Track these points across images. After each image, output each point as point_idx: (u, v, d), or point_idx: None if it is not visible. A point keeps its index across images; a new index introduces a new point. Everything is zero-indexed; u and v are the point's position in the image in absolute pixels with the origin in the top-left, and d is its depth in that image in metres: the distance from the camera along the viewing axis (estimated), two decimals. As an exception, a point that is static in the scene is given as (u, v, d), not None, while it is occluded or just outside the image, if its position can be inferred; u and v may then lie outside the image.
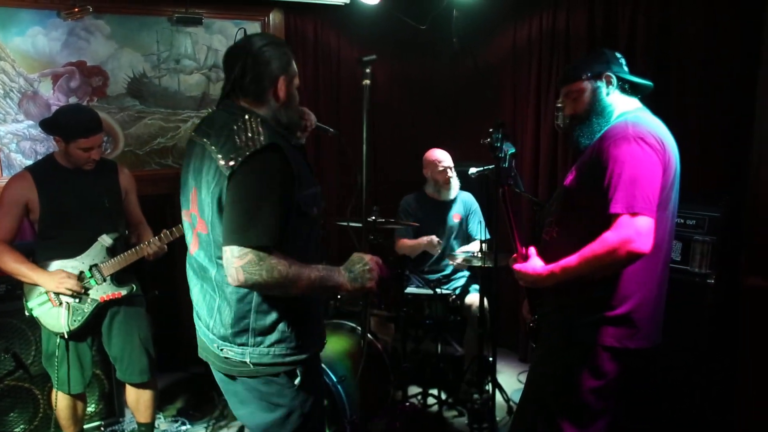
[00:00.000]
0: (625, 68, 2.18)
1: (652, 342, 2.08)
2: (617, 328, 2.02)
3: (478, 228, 4.01)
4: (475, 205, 4.12)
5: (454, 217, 4.06)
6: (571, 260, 1.94)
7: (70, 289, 2.80)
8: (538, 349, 2.31)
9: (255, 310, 1.83)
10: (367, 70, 1.91)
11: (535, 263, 2.09)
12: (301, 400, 1.91)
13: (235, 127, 1.75)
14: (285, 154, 1.74)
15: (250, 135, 1.72)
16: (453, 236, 4.08)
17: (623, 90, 2.14)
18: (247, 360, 1.85)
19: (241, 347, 1.85)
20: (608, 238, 1.87)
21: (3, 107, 3.76)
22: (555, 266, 2.00)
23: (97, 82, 4.02)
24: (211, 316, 1.90)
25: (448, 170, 4.01)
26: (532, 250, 2.11)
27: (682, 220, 2.85)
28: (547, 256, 2.10)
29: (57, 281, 2.79)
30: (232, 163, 1.70)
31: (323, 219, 1.98)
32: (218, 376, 2.02)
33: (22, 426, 3.26)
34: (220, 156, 1.74)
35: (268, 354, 1.85)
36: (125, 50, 4.08)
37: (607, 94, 2.12)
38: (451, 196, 4.04)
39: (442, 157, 4.05)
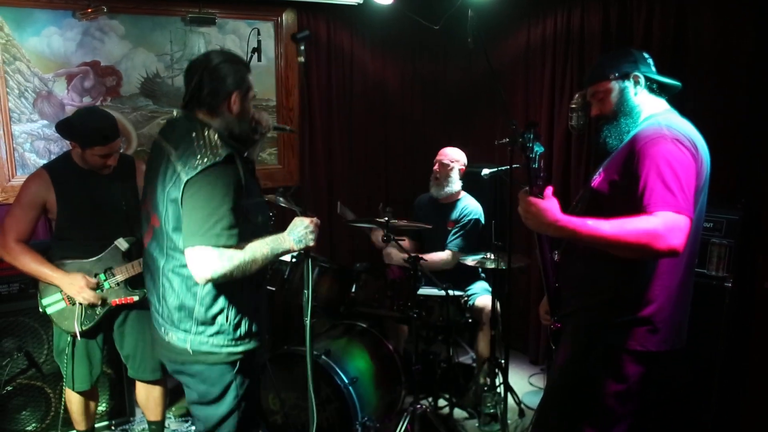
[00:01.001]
0: (653, 68, 2.13)
1: (674, 345, 2.04)
2: (640, 331, 1.99)
3: (451, 237, 3.90)
4: (471, 215, 3.95)
5: (449, 225, 3.97)
6: (604, 226, 1.78)
7: (88, 300, 2.80)
8: (558, 352, 2.27)
9: (199, 301, 2.04)
10: (302, 47, 2.02)
11: (553, 205, 1.84)
12: (237, 390, 2.13)
13: (195, 137, 1.96)
14: (237, 165, 1.97)
15: (209, 147, 1.94)
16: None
17: (651, 90, 2.09)
18: (188, 347, 2.06)
19: (184, 333, 2.07)
20: (655, 222, 1.76)
21: (18, 107, 3.78)
22: (580, 223, 1.80)
23: (110, 82, 4.04)
24: (159, 303, 2.12)
25: (442, 166, 3.94)
26: (549, 190, 1.91)
27: (700, 223, 2.81)
28: (570, 258, 2.07)
29: (77, 288, 2.78)
30: (191, 171, 1.91)
31: (271, 228, 2.24)
32: (170, 368, 2.23)
33: (34, 424, 3.28)
34: (179, 162, 1.95)
35: (207, 343, 2.06)
36: (139, 50, 4.09)
37: (635, 94, 2.07)
38: (437, 194, 3.97)
39: (446, 152, 4.00)
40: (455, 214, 3.99)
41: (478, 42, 2.85)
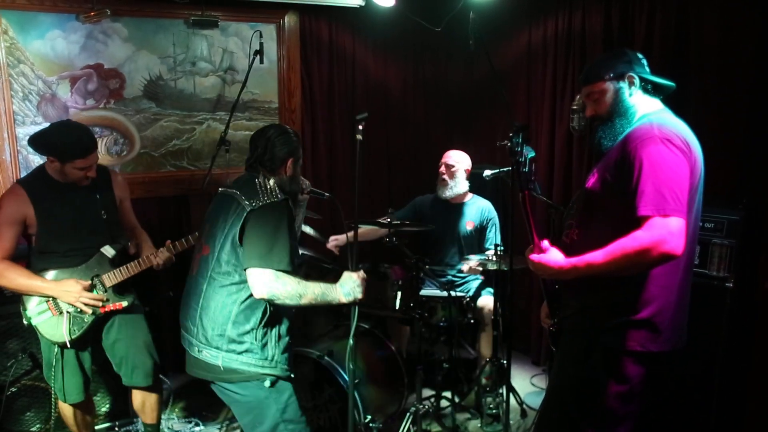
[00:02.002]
0: (647, 68, 2.15)
1: (674, 345, 2.05)
2: (640, 331, 2.00)
3: (493, 239, 3.97)
4: (493, 215, 4.04)
5: (467, 224, 4.01)
6: (597, 256, 1.88)
7: (89, 302, 2.77)
8: (559, 354, 2.28)
9: (232, 321, 2.30)
10: (360, 127, 2.42)
11: (555, 255, 2.00)
12: (277, 405, 2.36)
13: (258, 183, 2.37)
14: (291, 208, 2.37)
15: (269, 191, 2.34)
16: (464, 243, 4.03)
17: (645, 91, 2.11)
18: (219, 363, 2.31)
19: (216, 350, 2.32)
20: (641, 237, 1.82)
21: (22, 109, 3.80)
22: (579, 260, 1.93)
23: (114, 84, 4.05)
24: (194, 325, 2.38)
25: (447, 167, 3.97)
26: (546, 242, 2.04)
27: (701, 223, 2.80)
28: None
29: (74, 295, 2.75)
30: (255, 204, 2.28)
31: (300, 272, 2.52)
32: (215, 388, 2.46)
33: (38, 425, 3.28)
34: (244, 198, 2.32)
35: (236, 360, 2.30)
36: (142, 53, 4.10)
37: (630, 95, 2.09)
38: (444, 195, 3.99)
39: (450, 154, 4.03)
40: (474, 215, 4.03)
41: (480, 44, 2.85)
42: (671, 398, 2.90)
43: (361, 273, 2.42)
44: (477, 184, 4.08)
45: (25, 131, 3.80)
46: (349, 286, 2.38)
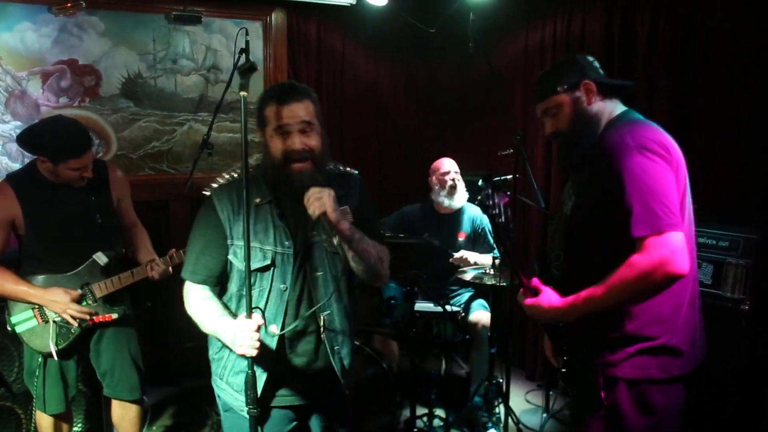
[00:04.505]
0: (601, 71, 2.00)
1: (697, 361, 1.91)
2: (660, 357, 1.85)
3: (488, 247, 3.85)
4: (486, 222, 3.91)
5: (459, 235, 3.88)
6: (596, 290, 1.76)
7: (76, 315, 2.62)
8: (576, 396, 2.11)
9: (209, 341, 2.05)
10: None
11: (549, 297, 1.88)
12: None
13: None
14: (213, 204, 1.98)
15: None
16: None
17: (604, 96, 1.95)
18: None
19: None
20: (639, 262, 1.69)
21: (-12, 107, 3.59)
22: (576, 298, 1.81)
23: (89, 81, 3.86)
24: None
25: (452, 175, 3.86)
26: (536, 280, 1.92)
27: (714, 241, 2.69)
28: (562, 292, 1.92)
29: (61, 306, 2.60)
30: None
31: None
32: None
33: (3, 446, 3.08)
34: None
35: (213, 382, 2.05)
36: (120, 49, 3.93)
37: (589, 103, 1.93)
38: (456, 205, 3.87)
39: (447, 162, 3.93)
40: (466, 225, 3.91)
41: (479, 45, 2.70)
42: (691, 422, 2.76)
43: (254, 322, 1.76)
44: (472, 191, 3.94)
45: (-9, 130, 3.59)
46: (232, 341, 1.79)
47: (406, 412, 3.38)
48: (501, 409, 3.52)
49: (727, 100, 3.06)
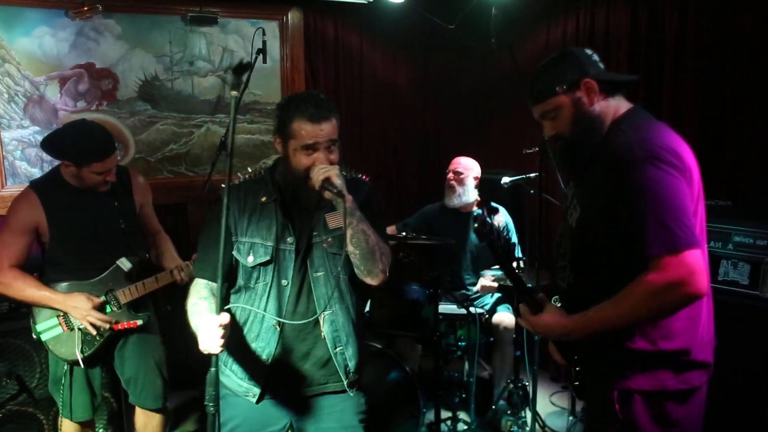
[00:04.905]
0: (601, 65, 1.84)
1: (711, 364, 1.82)
2: (677, 369, 1.75)
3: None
4: (508, 221, 3.81)
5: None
6: (607, 308, 1.66)
7: (96, 323, 2.59)
8: (588, 409, 2.02)
9: None
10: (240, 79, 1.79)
11: (554, 313, 1.79)
12: None
13: None
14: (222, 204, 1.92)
15: None
16: (478, 254, 3.80)
17: (607, 93, 1.80)
18: None
19: None
20: (655, 282, 1.56)
21: (8, 112, 3.58)
22: (584, 315, 1.71)
23: (106, 85, 3.84)
24: None
25: (455, 174, 3.78)
26: (541, 295, 1.82)
27: (752, 240, 2.59)
28: (568, 306, 1.83)
29: (83, 312, 2.57)
30: None
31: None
32: None
33: (25, 453, 3.08)
34: None
35: (221, 371, 1.98)
36: (136, 51, 3.90)
37: (591, 103, 1.78)
38: (453, 204, 3.79)
39: (459, 160, 3.84)
40: None
41: (502, 41, 2.60)
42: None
43: (218, 319, 1.73)
44: (493, 192, 3.85)
45: (11, 135, 3.61)
46: (200, 334, 1.76)
47: (430, 416, 3.33)
48: (526, 413, 3.46)
49: (760, 96, 2.96)
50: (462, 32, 4.45)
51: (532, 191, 3.51)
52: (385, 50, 4.77)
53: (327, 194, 1.79)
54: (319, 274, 1.96)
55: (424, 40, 4.85)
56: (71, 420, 2.79)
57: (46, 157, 3.63)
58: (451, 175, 3.81)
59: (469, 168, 3.80)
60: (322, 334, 1.98)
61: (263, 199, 1.96)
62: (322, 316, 1.96)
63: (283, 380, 2.01)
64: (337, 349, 1.99)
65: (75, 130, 2.59)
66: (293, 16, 4.32)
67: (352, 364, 2.03)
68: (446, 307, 3.50)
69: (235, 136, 4.10)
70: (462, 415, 3.52)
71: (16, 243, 2.58)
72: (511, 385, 3.50)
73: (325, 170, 1.80)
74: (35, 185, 2.66)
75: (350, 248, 1.87)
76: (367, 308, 3.28)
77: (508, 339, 3.55)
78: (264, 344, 1.97)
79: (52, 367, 2.77)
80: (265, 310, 1.95)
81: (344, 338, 2.01)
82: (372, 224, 1.92)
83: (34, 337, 2.68)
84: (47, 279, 2.65)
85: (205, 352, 1.74)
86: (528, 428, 3.36)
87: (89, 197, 2.64)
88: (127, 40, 3.87)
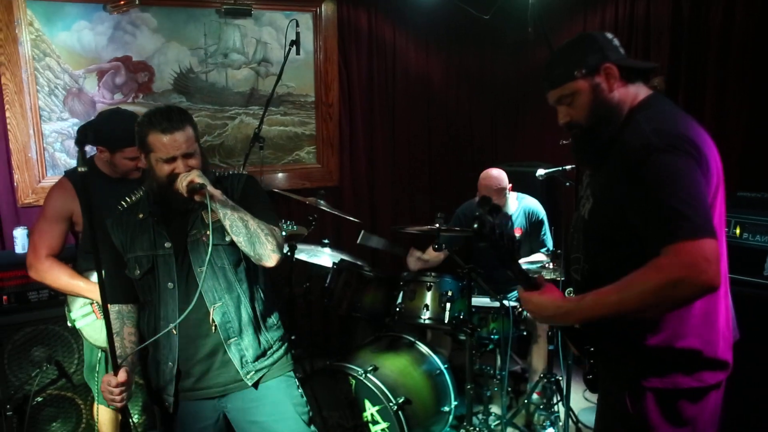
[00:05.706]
0: (621, 50, 1.75)
1: (730, 363, 1.73)
2: (692, 368, 1.67)
3: (543, 241, 3.72)
4: (541, 215, 3.76)
5: (515, 231, 3.74)
6: (608, 291, 1.55)
7: None
8: (600, 404, 1.96)
9: None
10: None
11: (551, 292, 1.68)
12: None
13: None
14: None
15: None
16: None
17: (627, 80, 1.72)
18: None
19: None
20: (667, 267, 1.45)
21: (48, 105, 3.65)
22: (582, 297, 1.62)
23: (142, 77, 3.88)
24: None
25: (497, 195, 3.64)
26: (541, 279, 1.73)
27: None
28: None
29: None
30: None
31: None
32: None
33: (64, 436, 3.16)
34: None
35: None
36: (172, 44, 3.94)
37: (611, 90, 1.70)
38: (508, 212, 3.73)
39: (494, 177, 3.68)
40: (521, 221, 3.77)
41: (540, 30, 2.54)
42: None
43: (115, 380, 1.92)
44: (526, 184, 3.80)
45: (51, 127, 3.66)
46: (102, 389, 1.96)
47: (462, 409, 3.30)
48: (559, 408, 3.41)
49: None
50: (496, 23, 4.40)
51: (567, 183, 3.46)
52: (419, 41, 4.72)
53: (197, 196, 1.91)
54: (203, 268, 2.01)
55: (457, 30, 4.79)
56: (107, 407, 2.84)
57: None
58: (493, 196, 3.61)
59: (502, 180, 3.67)
60: (213, 327, 2.03)
61: (140, 216, 2.07)
62: (212, 308, 2.02)
63: (193, 381, 2.08)
64: (231, 341, 2.04)
65: (110, 116, 2.66)
66: (327, 8, 4.31)
67: (249, 354, 2.06)
68: (479, 300, 3.47)
69: (269, 128, 4.18)
70: (494, 408, 3.49)
71: (52, 231, 2.63)
72: (545, 380, 3.45)
73: (186, 176, 1.91)
74: (70, 174, 2.71)
75: (234, 238, 1.95)
76: (399, 300, 3.27)
77: (542, 333, 3.49)
78: (167, 351, 2.06)
79: (87, 354, 2.82)
80: (162, 318, 2.03)
81: (236, 328, 2.05)
82: (251, 210, 2.00)
83: (69, 324, 2.73)
84: (80, 269, 2.69)
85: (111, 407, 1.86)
86: (561, 423, 3.31)
87: (122, 186, 2.65)
88: (163, 33, 3.90)
